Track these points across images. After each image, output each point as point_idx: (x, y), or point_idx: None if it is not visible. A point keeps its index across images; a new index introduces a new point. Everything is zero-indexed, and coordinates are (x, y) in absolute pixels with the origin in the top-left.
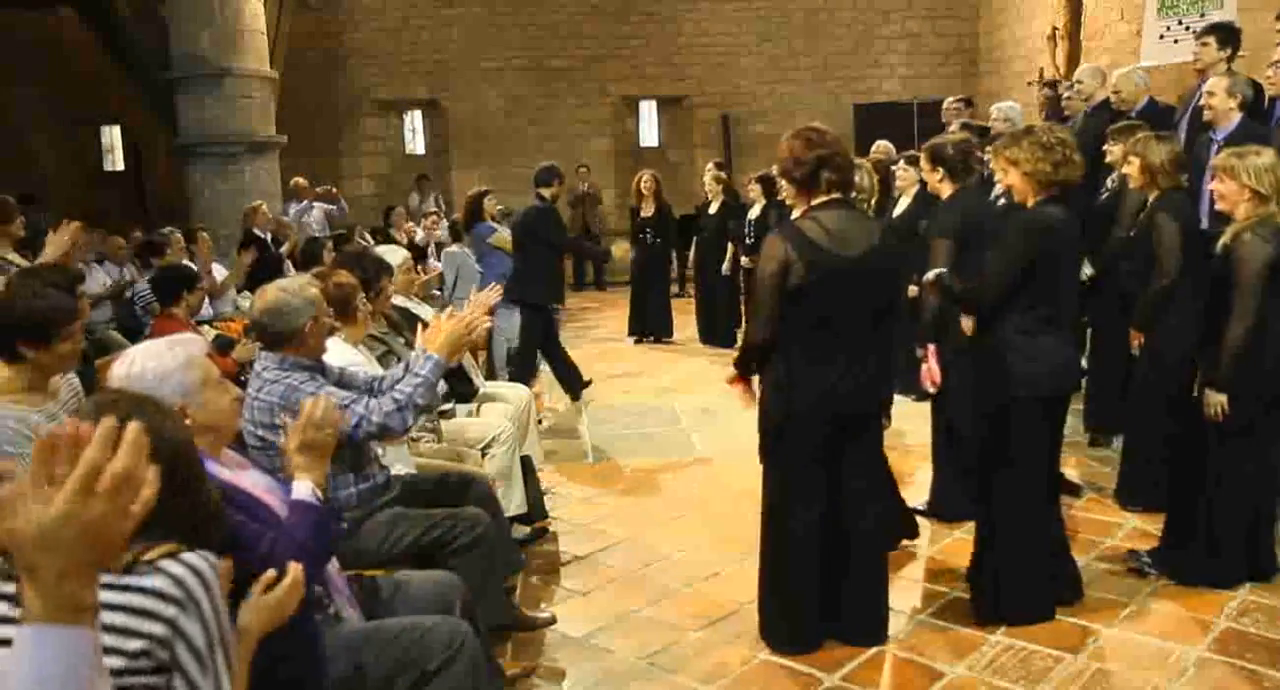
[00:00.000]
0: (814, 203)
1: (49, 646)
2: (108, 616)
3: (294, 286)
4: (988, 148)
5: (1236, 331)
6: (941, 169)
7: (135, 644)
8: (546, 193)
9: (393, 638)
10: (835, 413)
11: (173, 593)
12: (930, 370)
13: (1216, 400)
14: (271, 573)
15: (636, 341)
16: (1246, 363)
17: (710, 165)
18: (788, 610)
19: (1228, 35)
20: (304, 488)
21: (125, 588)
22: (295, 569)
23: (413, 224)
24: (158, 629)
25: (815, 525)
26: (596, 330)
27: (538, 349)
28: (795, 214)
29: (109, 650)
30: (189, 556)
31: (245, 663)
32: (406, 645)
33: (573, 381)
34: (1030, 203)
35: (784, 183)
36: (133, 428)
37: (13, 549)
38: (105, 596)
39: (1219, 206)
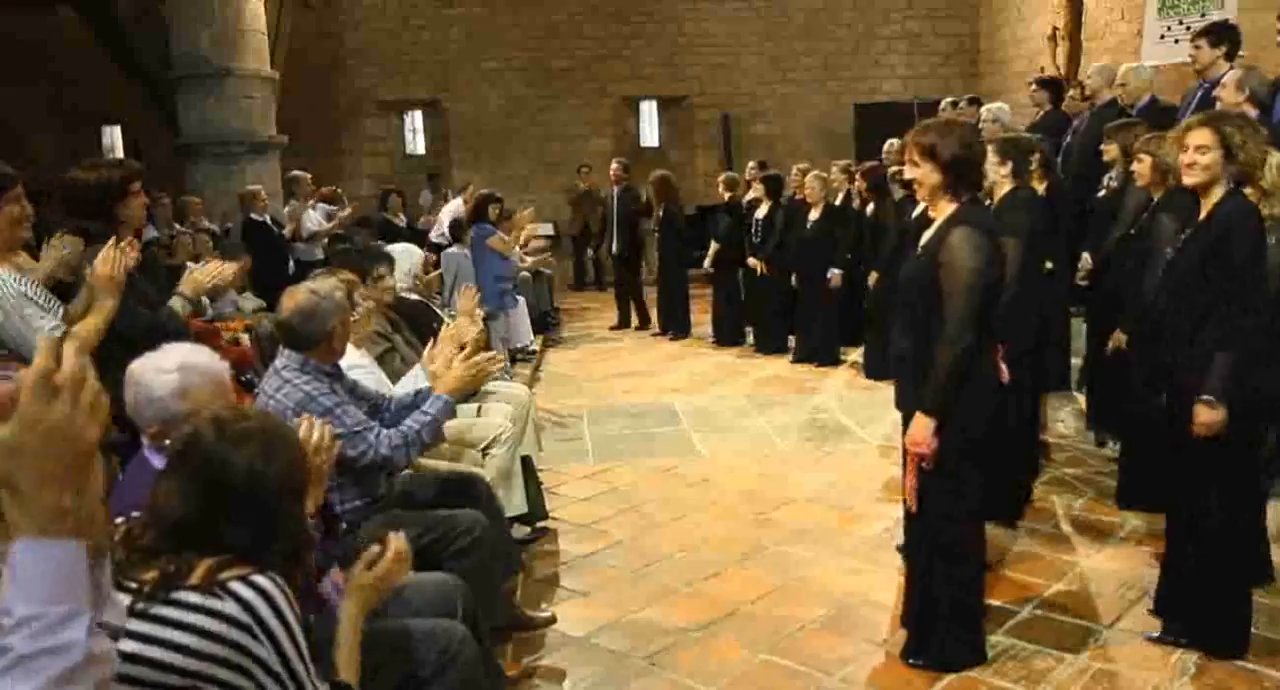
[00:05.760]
0: (960, 203)
1: (40, 560)
2: (176, 635)
3: (324, 288)
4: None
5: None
6: (1010, 163)
7: (197, 665)
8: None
9: (386, 640)
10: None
11: (242, 618)
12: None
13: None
14: (375, 548)
15: (652, 334)
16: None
17: (752, 165)
18: (972, 623)
19: (1221, 35)
20: None
21: (196, 608)
22: (397, 540)
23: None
24: (221, 651)
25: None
26: (597, 330)
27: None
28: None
29: (174, 669)
30: (259, 579)
31: (356, 648)
32: (401, 649)
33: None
34: (1218, 193)
35: (936, 170)
36: (68, 343)
37: None
38: (175, 614)
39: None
